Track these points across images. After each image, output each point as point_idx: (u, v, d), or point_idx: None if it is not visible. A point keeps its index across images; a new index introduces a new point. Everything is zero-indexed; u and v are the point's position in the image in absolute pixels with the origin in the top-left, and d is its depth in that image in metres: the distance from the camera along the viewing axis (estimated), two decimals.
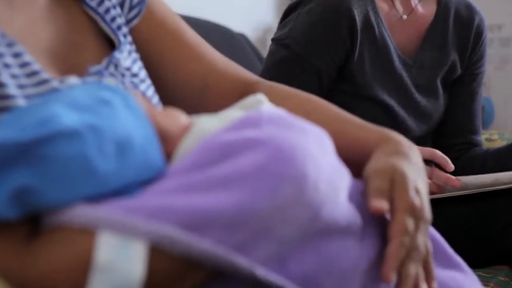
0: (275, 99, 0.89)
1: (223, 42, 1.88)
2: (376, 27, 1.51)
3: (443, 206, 1.38)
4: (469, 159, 1.62)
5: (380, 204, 0.77)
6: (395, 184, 0.79)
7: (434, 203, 1.26)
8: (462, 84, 1.64)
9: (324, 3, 1.48)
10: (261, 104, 0.84)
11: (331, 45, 1.47)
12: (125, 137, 0.70)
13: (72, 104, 0.70)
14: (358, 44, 1.48)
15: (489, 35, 2.84)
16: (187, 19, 1.82)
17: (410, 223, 0.77)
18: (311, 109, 0.93)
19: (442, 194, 1.36)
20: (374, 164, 0.83)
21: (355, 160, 0.84)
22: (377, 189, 0.79)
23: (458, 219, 1.42)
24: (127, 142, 0.70)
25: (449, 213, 1.42)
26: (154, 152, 0.73)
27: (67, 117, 0.67)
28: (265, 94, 0.88)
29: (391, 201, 0.79)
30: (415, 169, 0.83)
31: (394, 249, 0.76)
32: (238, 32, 1.94)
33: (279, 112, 0.81)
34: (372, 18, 1.50)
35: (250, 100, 0.87)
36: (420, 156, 0.87)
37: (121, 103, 0.72)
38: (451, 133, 1.63)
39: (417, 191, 0.80)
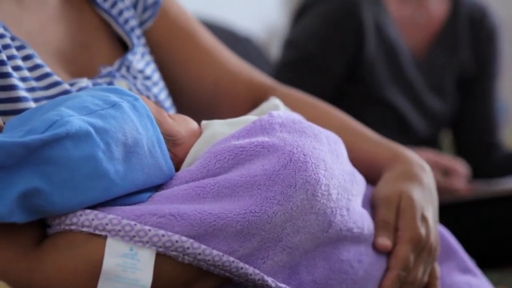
0: (289, 105, 0.88)
1: (228, 45, 1.86)
2: (386, 29, 1.51)
3: (458, 208, 1.39)
4: (493, 163, 1.62)
5: (384, 242, 0.78)
6: (402, 213, 0.80)
7: (449, 207, 1.26)
8: (477, 84, 1.64)
9: (333, 5, 1.48)
10: (277, 109, 0.83)
11: (341, 46, 1.48)
12: (133, 140, 0.69)
13: (81, 107, 0.69)
14: (367, 46, 1.48)
15: None
16: None
17: (411, 256, 0.79)
18: (324, 117, 0.92)
19: (455, 198, 1.37)
20: (383, 190, 0.83)
21: (364, 175, 0.84)
22: (383, 221, 0.80)
23: (472, 221, 1.42)
24: (135, 145, 0.69)
25: (464, 215, 1.42)
26: (163, 157, 0.72)
27: (75, 120, 0.67)
28: (280, 99, 0.87)
29: (397, 230, 0.80)
30: (424, 192, 0.83)
31: (389, 282, 0.78)
32: (244, 35, 1.93)
33: (293, 116, 0.80)
34: (382, 20, 1.50)
35: (267, 105, 0.86)
36: (431, 175, 0.87)
37: (129, 107, 0.72)
38: (470, 134, 1.64)
39: (424, 219, 0.81)
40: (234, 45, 1.88)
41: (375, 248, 0.78)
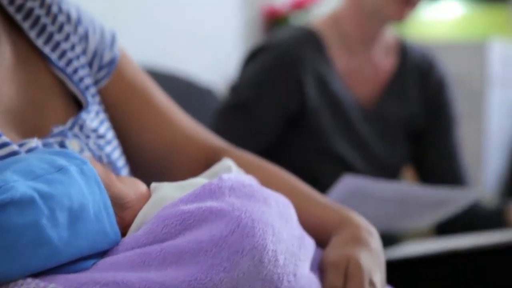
0: (242, 168, 0.89)
1: (189, 96, 1.87)
2: (330, 81, 1.51)
3: (409, 266, 1.37)
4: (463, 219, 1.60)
5: None
6: (350, 277, 0.80)
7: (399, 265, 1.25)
8: (431, 134, 1.64)
9: (276, 55, 1.48)
10: (229, 171, 0.83)
11: (279, 97, 1.47)
12: (79, 205, 0.69)
13: (27, 171, 0.69)
14: (310, 98, 1.48)
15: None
16: (151, 72, 1.82)
17: None
18: (274, 182, 0.92)
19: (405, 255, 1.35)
20: (331, 254, 0.84)
21: (313, 238, 0.85)
22: (331, 286, 0.80)
23: (424, 280, 1.41)
24: (81, 210, 0.69)
25: (415, 273, 1.41)
26: (109, 222, 0.72)
27: (20, 185, 0.66)
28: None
29: None
30: (372, 257, 0.84)
31: None
32: (204, 87, 1.94)
33: (243, 179, 0.80)
34: (325, 72, 1.50)
35: (219, 166, 0.86)
36: (379, 240, 0.87)
37: (76, 171, 0.71)
38: (433, 184, 1.62)
39: (372, 284, 0.81)
40: (194, 96, 1.89)
41: None
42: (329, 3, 2.76)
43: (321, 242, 0.86)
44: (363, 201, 1.25)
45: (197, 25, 2.42)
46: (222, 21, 2.59)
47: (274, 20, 2.74)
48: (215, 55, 2.52)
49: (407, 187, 1.32)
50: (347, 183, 1.27)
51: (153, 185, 0.80)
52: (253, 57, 1.53)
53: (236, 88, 1.51)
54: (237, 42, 2.66)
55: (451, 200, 1.41)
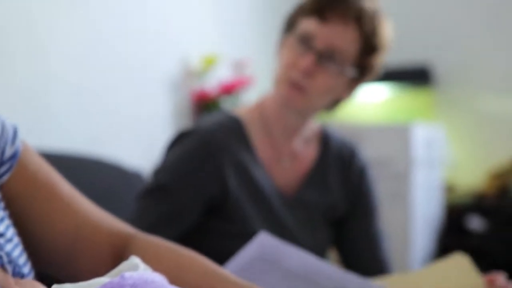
0: (150, 254, 0.89)
1: (116, 181, 1.88)
2: (251, 168, 1.52)
3: None
4: None
5: None
6: None
7: None
8: (352, 221, 1.66)
9: (198, 138, 1.49)
10: (136, 269, 0.83)
11: (198, 181, 1.48)
12: None
13: None
14: (230, 185, 1.49)
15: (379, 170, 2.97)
16: (79, 160, 1.84)
17: None
18: (186, 265, 0.93)
19: None
20: None
21: None
22: None
23: None
24: None
25: None
26: None
27: None
28: (141, 249, 0.88)
29: None
30: None
31: None
32: (133, 171, 1.95)
33: (146, 277, 0.79)
34: (247, 159, 1.52)
35: (125, 264, 0.85)
36: None
37: None
38: (356, 270, 1.63)
39: None
40: (123, 180, 1.90)
41: None
42: (257, 89, 2.83)
43: None
44: (271, 270, 1.24)
45: (127, 110, 2.43)
46: (153, 105, 2.62)
47: (203, 104, 2.78)
48: (146, 139, 2.53)
49: (322, 265, 1.32)
50: (262, 240, 1.26)
51: (54, 287, 0.78)
52: (176, 142, 1.54)
53: (158, 172, 1.51)
54: (167, 126, 2.68)
55: None
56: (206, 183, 1.49)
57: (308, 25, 1.49)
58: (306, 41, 1.49)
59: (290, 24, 1.55)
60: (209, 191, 1.49)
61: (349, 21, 1.49)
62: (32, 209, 0.98)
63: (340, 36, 1.49)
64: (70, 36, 2.17)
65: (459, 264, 1.29)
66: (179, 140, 1.54)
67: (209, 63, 2.78)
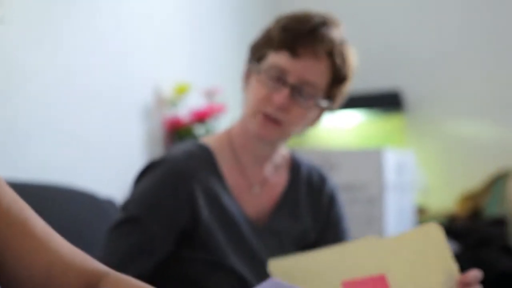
0: None
1: (89, 209, 1.88)
2: (221, 197, 1.53)
3: None
4: None
5: None
6: None
7: None
8: (323, 247, 1.66)
9: (168, 168, 1.49)
10: None
11: (169, 210, 1.48)
12: None
13: None
14: (202, 214, 1.49)
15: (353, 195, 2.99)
16: (52, 189, 1.84)
17: None
18: None
19: None
20: None
21: None
22: None
23: None
24: None
25: None
26: None
27: None
28: (112, 287, 0.88)
29: None
30: None
31: None
32: (105, 199, 1.96)
33: None
34: (217, 188, 1.53)
35: None
36: None
37: None
38: None
39: None
40: (96, 208, 1.91)
41: None
42: (229, 116, 2.85)
43: None
44: None
45: (100, 138, 2.44)
46: (125, 133, 2.62)
47: (176, 132, 2.79)
48: (119, 167, 2.53)
49: None
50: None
51: None
52: (145, 173, 1.53)
53: (128, 204, 1.50)
54: (140, 154, 2.69)
55: None
56: (178, 212, 1.49)
57: (280, 60, 1.50)
58: (278, 76, 1.50)
59: (258, 56, 1.56)
60: (181, 220, 1.49)
61: (321, 56, 1.51)
62: (6, 244, 0.97)
63: (313, 70, 1.51)
64: (42, 64, 2.18)
65: (432, 233, 1.31)
66: (148, 171, 1.53)
67: (181, 91, 2.80)
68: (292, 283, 1.32)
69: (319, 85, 1.53)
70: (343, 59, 1.54)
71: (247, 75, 1.58)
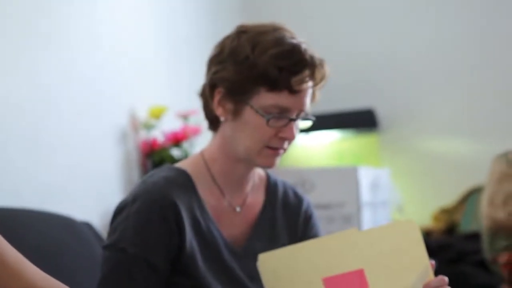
0: None
1: (65, 232, 1.88)
2: (202, 221, 1.53)
3: None
4: None
5: None
6: None
7: None
8: None
9: (149, 201, 1.48)
10: None
11: (164, 239, 1.48)
12: None
13: None
14: (186, 237, 1.50)
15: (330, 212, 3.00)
16: (28, 213, 1.84)
17: None
18: None
19: None
20: None
21: None
22: None
23: None
24: None
25: None
26: None
27: None
28: None
29: None
30: None
31: None
32: (82, 221, 1.96)
33: None
34: (197, 212, 1.53)
35: None
36: None
37: None
38: None
39: None
40: (72, 231, 1.91)
41: None
42: (205, 137, 2.86)
43: None
44: None
45: (75, 162, 2.43)
46: (101, 157, 2.62)
47: (151, 155, 2.80)
48: (95, 191, 2.53)
49: None
50: None
51: None
52: (123, 209, 1.50)
53: (120, 244, 1.47)
54: (116, 177, 2.69)
55: None
56: (171, 237, 1.48)
57: (280, 100, 1.51)
58: (280, 112, 1.52)
59: (247, 89, 1.51)
60: (174, 244, 1.49)
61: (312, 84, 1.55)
62: None
63: (308, 99, 1.56)
64: (18, 87, 2.18)
65: (409, 229, 1.35)
66: (123, 209, 1.51)
67: (157, 114, 2.81)
68: (278, 280, 1.40)
69: (309, 107, 1.58)
70: (324, 78, 1.58)
71: (237, 109, 1.53)
